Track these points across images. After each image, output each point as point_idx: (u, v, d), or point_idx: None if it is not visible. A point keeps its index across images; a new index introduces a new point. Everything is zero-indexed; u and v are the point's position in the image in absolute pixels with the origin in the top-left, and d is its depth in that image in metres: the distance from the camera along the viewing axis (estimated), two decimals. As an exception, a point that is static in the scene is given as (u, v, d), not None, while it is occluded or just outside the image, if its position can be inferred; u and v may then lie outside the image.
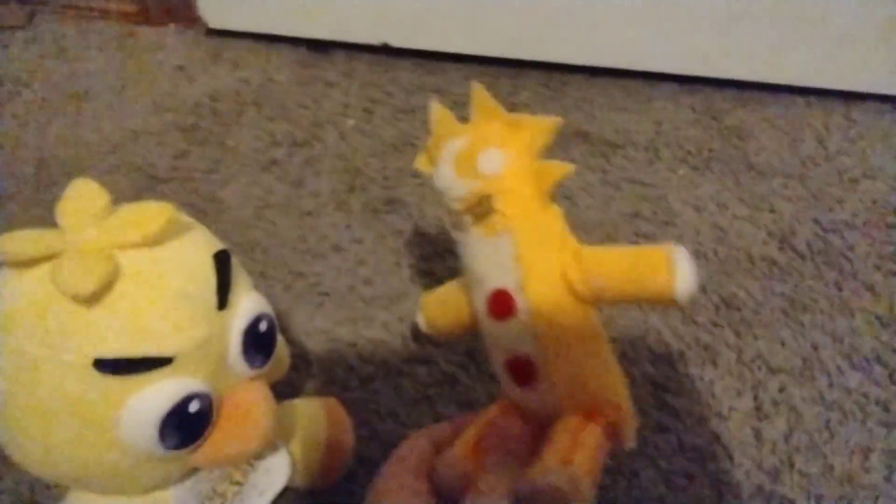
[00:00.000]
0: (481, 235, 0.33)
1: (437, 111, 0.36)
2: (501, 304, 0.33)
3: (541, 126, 0.33)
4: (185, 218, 0.34)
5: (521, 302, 0.32)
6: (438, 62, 0.77)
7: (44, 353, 0.28)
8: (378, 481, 0.33)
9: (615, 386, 0.33)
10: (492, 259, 0.33)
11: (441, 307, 0.39)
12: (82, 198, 0.31)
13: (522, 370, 0.33)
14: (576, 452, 0.29)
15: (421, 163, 0.38)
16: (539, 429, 0.33)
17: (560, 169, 0.32)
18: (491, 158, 0.33)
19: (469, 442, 0.33)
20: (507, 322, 0.33)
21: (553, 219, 0.33)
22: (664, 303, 0.31)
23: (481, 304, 0.34)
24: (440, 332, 0.40)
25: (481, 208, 0.33)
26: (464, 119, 0.36)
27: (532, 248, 0.32)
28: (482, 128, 0.34)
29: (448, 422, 0.37)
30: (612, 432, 0.32)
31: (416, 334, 0.51)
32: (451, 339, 0.42)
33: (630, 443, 0.33)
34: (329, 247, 0.59)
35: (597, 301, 0.32)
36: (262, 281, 0.56)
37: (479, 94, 0.34)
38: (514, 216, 0.32)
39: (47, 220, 0.30)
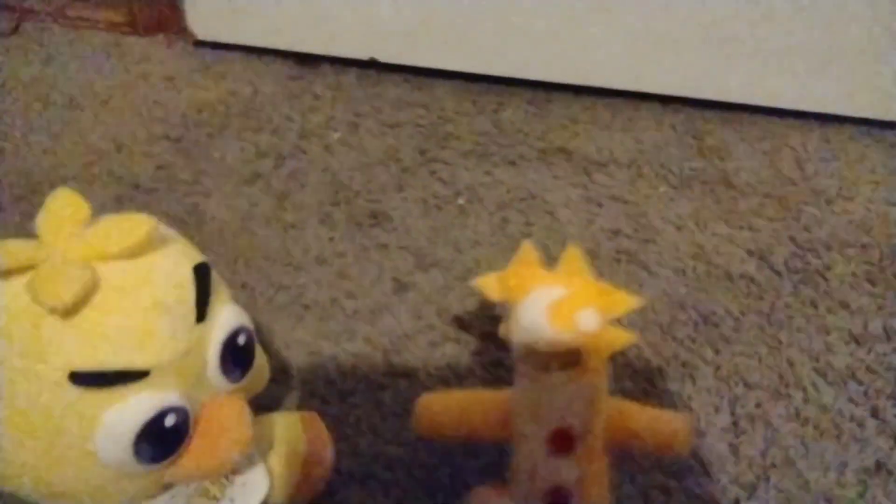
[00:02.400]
0: (566, 381, 0.37)
1: (527, 251, 0.40)
2: (564, 441, 0.37)
3: (625, 301, 0.38)
4: (166, 230, 0.34)
5: (580, 444, 0.37)
6: (425, 78, 0.78)
7: (20, 364, 0.28)
8: None
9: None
10: (569, 402, 0.37)
11: (456, 417, 0.41)
12: (62, 209, 0.31)
13: (560, 499, 0.38)
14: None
15: (489, 286, 0.40)
16: None
17: (628, 339, 0.39)
18: (591, 317, 0.36)
19: None
20: (561, 458, 0.37)
21: (607, 377, 0.39)
22: (669, 454, 0.42)
23: (538, 437, 0.37)
24: (438, 436, 0.42)
25: (571, 359, 0.36)
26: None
27: (602, 401, 0.38)
28: (581, 286, 0.38)
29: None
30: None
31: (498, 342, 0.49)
32: (444, 440, 0.45)
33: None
34: (312, 259, 0.59)
35: (618, 445, 0.39)
36: (243, 293, 0.56)
37: (571, 251, 0.39)
38: (595, 368, 0.37)
39: (29, 230, 0.30)
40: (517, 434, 0.39)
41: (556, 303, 0.36)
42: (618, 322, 0.38)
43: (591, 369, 0.37)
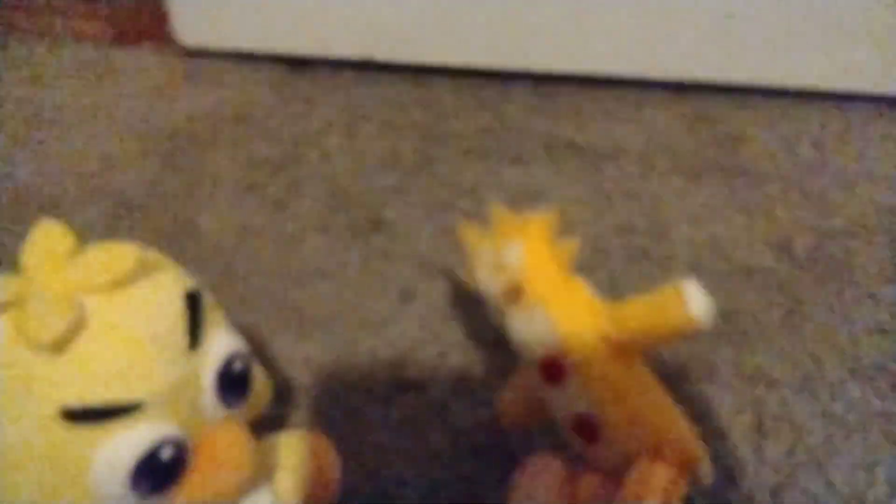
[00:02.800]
0: (519, 313, 0.39)
1: (466, 231, 0.43)
2: (551, 370, 0.37)
3: (545, 218, 0.40)
4: (154, 255, 0.34)
5: (568, 364, 0.37)
6: (423, 75, 0.76)
7: (9, 402, 0.28)
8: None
9: (675, 426, 0.37)
10: (532, 332, 0.38)
11: (514, 400, 0.44)
12: (46, 241, 0.31)
13: (587, 428, 0.37)
14: (647, 491, 0.34)
15: (468, 281, 0.43)
16: (614, 480, 0.37)
17: (574, 245, 0.39)
18: (511, 251, 0.39)
19: None
20: (561, 386, 0.37)
21: (578, 289, 0.39)
22: (689, 330, 0.34)
23: (536, 375, 0.39)
24: (520, 425, 0.45)
25: (515, 294, 0.39)
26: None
27: (566, 316, 0.37)
28: (500, 230, 0.41)
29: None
30: (687, 469, 0.36)
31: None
32: (531, 426, 0.46)
33: (707, 477, 0.36)
34: (312, 272, 0.58)
35: (635, 350, 0.37)
36: (242, 309, 0.55)
37: (494, 208, 0.41)
38: (543, 291, 0.38)
39: (17, 249, 0.30)
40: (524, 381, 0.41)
41: (488, 256, 0.40)
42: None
43: (541, 293, 0.38)
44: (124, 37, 0.76)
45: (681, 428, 0.37)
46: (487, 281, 0.40)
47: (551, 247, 0.40)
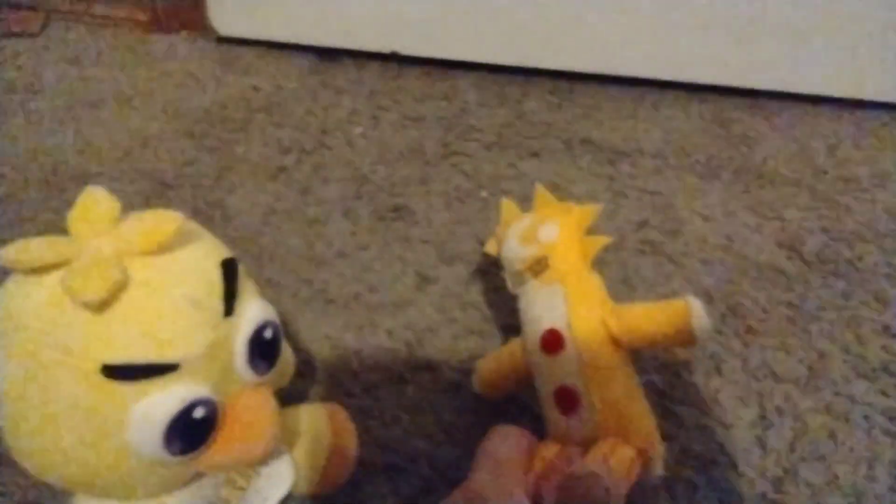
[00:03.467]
0: (538, 285, 0.43)
1: (507, 206, 0.48)
2: (552, 340, 0.40)
3: (587, 210, 0.45)
4: (194, 226, 0.35)
5: (568, 339, 0.40)
6: (447, 70, 0.78)
7: (53, 357, 0.29)
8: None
9: (645, 418, 0.40)
10: (546, 303, 0.42)
11: (496, 369, 0.47)
12: (93, 206, 0.31)
13: (567, 399, 0.40)
14: (613, 457, 0.37)
15: (490, 246, 0.49)
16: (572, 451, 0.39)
17: (601, 241, 0.44)
18: (548, 228, 0.44)
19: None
20: (556, 356, 0.40)
21: (595, 282, 0.43)
22: (686, 343, 0.39)
23: (534, 342, 0.41)
24: (493, 391, 0.48)
25: (539, 266, 0.43)
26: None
27: (578, 297, 0.41)
28: (544, 210, 0.46)
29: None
30: (642, 460, 0.39)
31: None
32: (500, 395, 0.49)
33: (658, 470, 0.40)
34: (335, 254, 0.60)
35: (630, 347, 0.40)
36: (268, 288, 0.57)
37: (540, 191, 0.47)
38: (565, 271, 0.42)
39: (58, 226, 0.31)
40: (524, 350, 0.43)
41: (524, 228, 0.45)
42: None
43: (563, 272, 0.42)
44: (161, 24, 0.79)
45: (649, 422, 0.40)
46: (515, 249, 0.44)
47: (582, 236, 0.44)
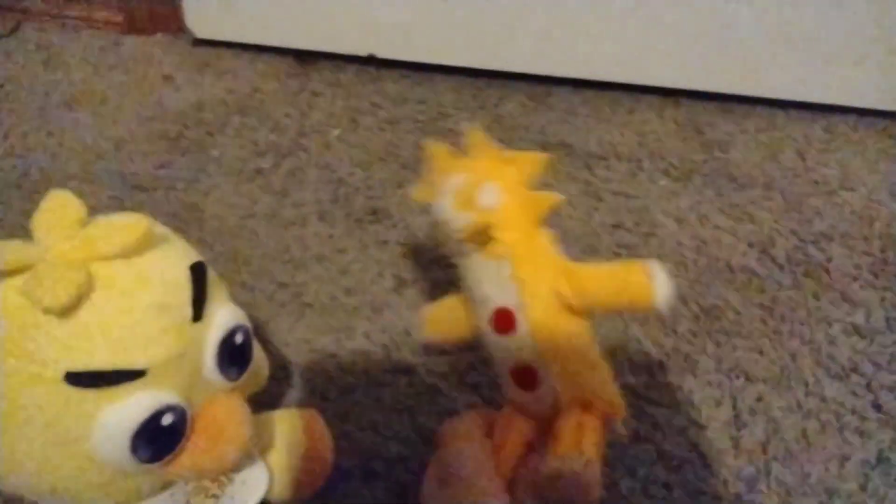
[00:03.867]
0: (483, 260, 0.38)
1: (435, 148, 0.40)
2: (504, 320, 0.37)
3: (532, 160, 0.38)
4: (162, 229, 0.34)
5: (520, 318, 0.37)
6: (424, 73, 0.78)
7: (16, 365, 0.28)
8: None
9: (605, 382, 0.38)
10: (493, 281, 0.37)
11: (442, 319, 0.43)
12: (58, 209, 0.31)
13: (526, 377, 0.38)
14: (583, 441, 0.35)
15: (419, 193, 0.42)
16: (544, 424, 0.38)
17: (551, 199, 0.37)
18: (489, 193, 0.37)
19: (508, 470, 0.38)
20: (509, 336, 0.37)
21: (545, 242, 0.38)
22: (646, 310, 0.36)
23: (485, 321, 0.38)
24: (439, 341, 0.45)
25: (482, 237, 0.37)
26: (455, 145, 0.39)
27: (528, 271, 0.37)
28: (479, 164, 0.38)
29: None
30: (606, 422, 0.37)
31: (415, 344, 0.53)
32: (446, 348, 0.47)
33: (622, 430, 0.39)
34: (312, 257, 0.59)
35: (587, 311, 0.37)
36: (243, 291, 0.56)
37: (474, 133, 0.39)
38: (512, 243, 0.37)
39: (29, 230, 0.30)
40: (474, 325, 0.40)
41: (459, 189, 0.37)
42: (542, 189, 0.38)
43: (510, 243, 0.37)
44: (137, 26, 0.78)
45: (611, 388, 0.38)
46: (452, 213, 0.38)
47: (529, 195, 0.38)
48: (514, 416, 0.40)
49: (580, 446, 0.35)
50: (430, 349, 0.46)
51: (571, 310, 0.36)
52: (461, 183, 0.38)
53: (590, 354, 0.38)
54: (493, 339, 0.39)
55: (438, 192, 0.39)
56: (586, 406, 0.37)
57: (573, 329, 0.37)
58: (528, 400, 0.39)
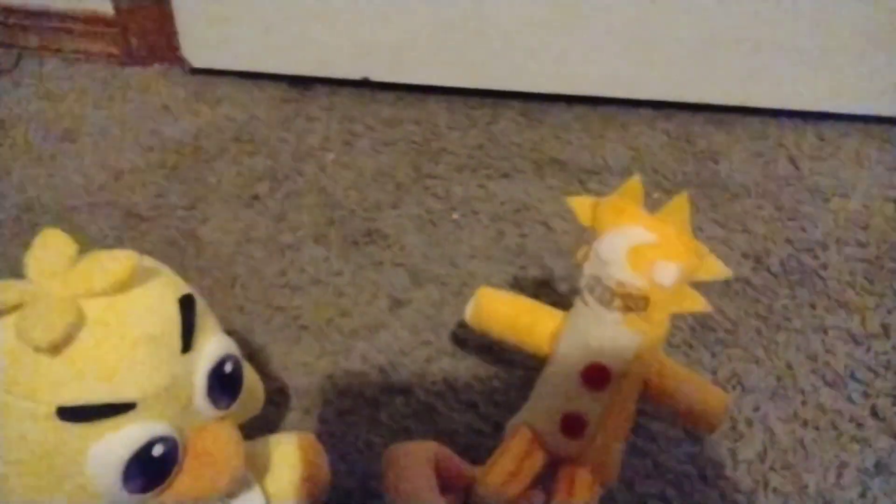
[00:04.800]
0: (620, 321, 0.37)
1: (633, 185, 0.37)
2: (598, 378, 0.38)
3: (716, 268, 0.37)
4: (151, 262, 0.35)
5: (614, 384, 0.38)
6: (418, 94, 0.79)
7: (8, 400, 0.29)
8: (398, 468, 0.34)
9: (619, 454, 0.41)
10: (611, 338, 0.37)
11: (492, 308, 0.44)
12: (49, 248, 0.32)
13: (575, 426, 0.39)
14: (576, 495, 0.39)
15: (581, 207, 0.40)
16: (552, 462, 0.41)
17: (700, 305, 0.37)
18: (669, 273, 0.35)
19: (505, 472, 0.39)
20: (591, 390, 0.38)
21: (666, 334, 0.39)
22: (699, 431, 0.44)
23: (573, 367, 0.38)
24: (481, 328, 0.44)
25: (635, 304, 0.36)
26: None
27: (649, 352, 0.38)
28: (672, 237, 0.36)
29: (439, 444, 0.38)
30: (601, 481, 0.41)
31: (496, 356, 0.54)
32: (485, 336, 0.46)
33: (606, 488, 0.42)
34: (308, 280, 0.60)
35: (652, 401, 0.41)
36: (241, 316, 0.57)
37: (681, 203, 0.36)
38: (655, 324, 0.37)
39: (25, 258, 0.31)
40: (557, 354, 0.40)
41: (640, 246, 0.36)
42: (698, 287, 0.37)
43: (651, 321, 0.36)
44: (135, 57, 0.79)
45: (619, 458, 0.41)
46: (625, 269, 0.35)
47: (688, 290, 0.37)
48: (533, 450, 0.41)
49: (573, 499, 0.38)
50: (470, 330, 0.46)
51: (644, 394, 0.40)
52: (645, 242, 0.36)
53: (624, 422, 0.40)
54: (571, 384, 0.39)
55: (612, 230, 0.37)
56: (597, 469, 0.41)
57: (632, 404, 0.40)
58: (563, 443, 0.40)
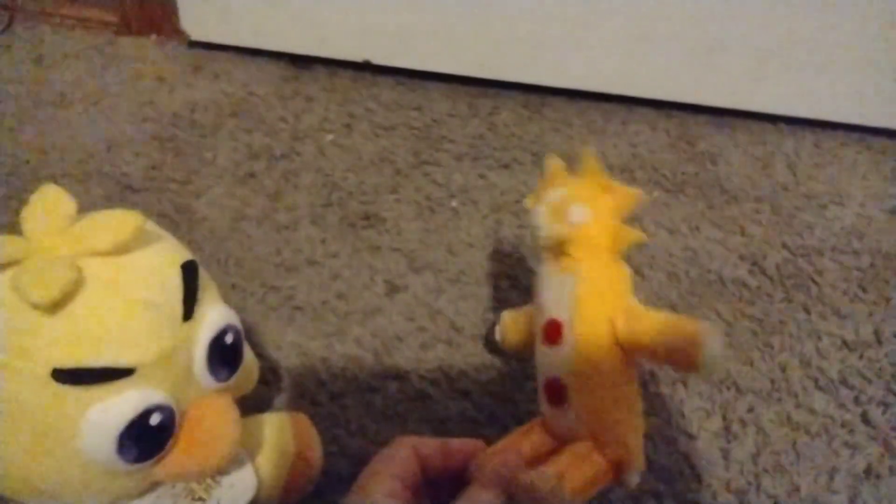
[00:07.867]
0: (552, 271, 0.40)
1: (554, 165, 0.43)
2: (553, 331, 0.39)
3: (629, 195, 0.40)
4: (154, 227, 0.34)
5: (568, 334, 0.38)
6: (419, 80, 0.78)
7: (3, 360, 0.28)
8: (362, 477, 0.33)
9: (630, 429, 0.38)
10: (555, 292, 0.39)
11: (515, 326, 0.47)
12: (48, 204, 0.31)
13: (555, 392, 0.39)
14: (571, 472, 0.34)
15: (529, 202, 0.44)
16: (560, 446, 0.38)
17: (635, 235, 0.39)
18: (579, 211, 0.39)
19: (503, 444, 0.38)
20: (553, 348, 0.38)
21: (618, 275, 0.39)
22: (688, 370, 0.36)
23: (539, 328, 0.40)
24: (511, 347, 0.47)
25: (559, 249, 0.39)
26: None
27: (588, 291, 0.38)
28: (581, 184, 0.41)
29: (435, 439, 0.37)
30: (617, 469, 0.37)
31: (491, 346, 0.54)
32: (519, 354, 0.48)
33: (631, 483, 0.37)
34: (304, 260, 0.59)
35: (633, 353, 0.38)
36: (234, 293, 0.56)
37: (589, 156, 0.41)
38: (583, 262, 0.39)
39: (18, 228, 0.30)
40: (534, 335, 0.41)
41: (556, 200, 0.40)
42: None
43: (581, 262, 0.39)
44: (131, 26, 0.77)
45: (632, 435, 0.38)
46: (543, 222, 0.40)
47: (617, 225, 0.40)
48: (535, 429, 0.40)
49: (563, 473, 0.34)
50: (508, 354, 0.48)
51: (620, 347, 0.37)
52: (559, 197, 0.41)
53: (623, 391, 0.38)
54: (540, 348, 0.40)
55: (540, 200, 0.42)
56: (601, 444, 0.37)
57: (614, 364, 0.38)
58: (553, 417, 0.39)
